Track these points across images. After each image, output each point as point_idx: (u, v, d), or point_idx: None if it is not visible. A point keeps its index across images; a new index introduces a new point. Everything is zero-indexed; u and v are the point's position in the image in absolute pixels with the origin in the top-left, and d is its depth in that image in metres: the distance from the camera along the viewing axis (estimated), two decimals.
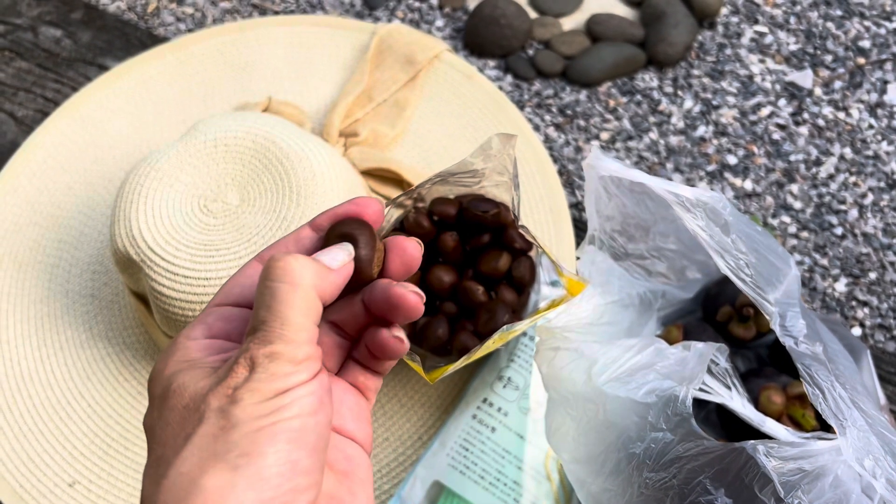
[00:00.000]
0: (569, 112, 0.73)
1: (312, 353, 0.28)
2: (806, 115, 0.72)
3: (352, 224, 0.31)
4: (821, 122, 0.72)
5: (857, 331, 0.63)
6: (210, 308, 0.31)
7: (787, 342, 0.41)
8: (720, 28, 0.77)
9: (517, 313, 0.52)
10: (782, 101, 0.73)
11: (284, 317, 0.27)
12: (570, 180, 0.70)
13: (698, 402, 0.54)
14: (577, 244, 0.63)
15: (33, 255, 0.64)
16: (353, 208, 0.31)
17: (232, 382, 0.27)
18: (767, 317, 0.41)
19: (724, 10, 0.78)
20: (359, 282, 0.31)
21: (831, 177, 0.69)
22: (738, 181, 0.69)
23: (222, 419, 0.26)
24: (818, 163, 0.70)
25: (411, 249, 0.31)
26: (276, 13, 0.80)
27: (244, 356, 0.27)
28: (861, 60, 0.75)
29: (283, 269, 0.28)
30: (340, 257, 0.30)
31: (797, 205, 0.68)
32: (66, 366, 0.60)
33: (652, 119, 0.73)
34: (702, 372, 0.40)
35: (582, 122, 0.72)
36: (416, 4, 0.80)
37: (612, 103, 0.73)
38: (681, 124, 0.72)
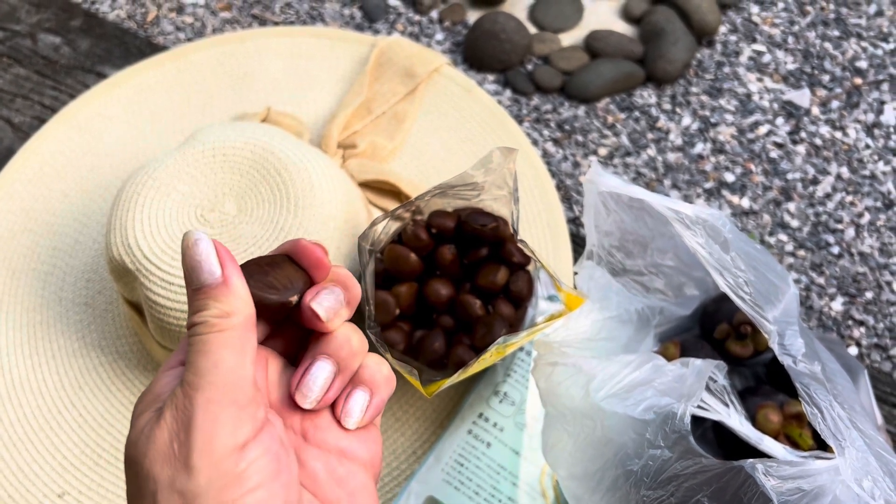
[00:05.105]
0: (567, 127, 0.73)
1: (252, 396, 0.27)
2: (803, 134, 0.73)
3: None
4: (818, 141, 0.72)
5: (853, 350, 0.63)
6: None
7: (786, 361, 0.41)
8: (719, 46, 0.78)
9: (514, 328, 0.52)
10: (780, 120, 0.73)
11: (217, 360, 0.27)
12: (568, 195, 0.70)
13: (695, 420, 0.54)
14: (574, 259, 0.63)
15: (27, 262, 0.64)
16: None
17: (173, 448, 0.26)
18: (766, 335, 0.41)
19: (723, 29, 0.79)
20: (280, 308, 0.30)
21: (828, 196, 0.69)
22: (735, 199, 0.69)
23: (179, 499, 0.25)
24: (815, 182, 0.70)
25: (313, 252, 0.30)
26: (276, 24, 0.80)
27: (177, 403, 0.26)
28: (858, 81, 0.75)
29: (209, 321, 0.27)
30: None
31: (794, 223, 0.68)
32: (58, 374, 0.59)
33: (650, 135, 0.73)
34: (700, 389, 0.40)
35: (580, 138, 0.73)
36: (417, 17, 0.80)
37: (610, 119, 0.74)
38: (679, 141, 0.72)
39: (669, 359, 0.47)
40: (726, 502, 0.37)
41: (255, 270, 0.30)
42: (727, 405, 0.42)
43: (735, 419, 0.41)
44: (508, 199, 0.51)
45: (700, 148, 0.72)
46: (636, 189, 0.42)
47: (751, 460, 0.37)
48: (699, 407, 0.40)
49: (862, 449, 0.39)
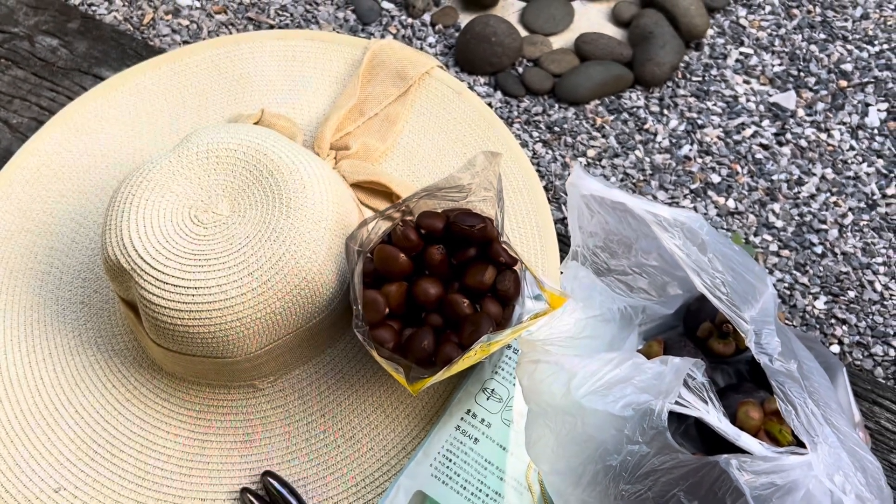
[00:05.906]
0: (556, 129, 0.74)
1: None
2: (789, 136, 0.74)
3: None
4: (803, 142, 0.73)
5: (835, 348, 0.64)
6: None
7: (762, 359, 0.42)
8: (706, 49, 0.79)
9: (502, 326, 0.53)
10: (766, 122, 0.74)
11: None
12: (557, 196, 0.71)
13: (678, 416, 0.55)
14: (562, 259, 0.64)
15: (25, 262, 0.65)
16: None
17: None
18: (743, 334, 0.43)
19: (711, 32, 0.80)
20: None
21: (812, 196, 0.71)
22: (721, 199, 0.71)
23: None
24: (800, 182, 0.71)
25: None
26: (271, 27, 0.81)
27: None
28: (843, 83, 0.76)
29: None
30: None
31: (779, 223, 0.69)
32: (54, 372, 0.61)
33: (638, 137, 0.74)
34: (678, 386, 0.41)
35: (569, 139, 0.74)
36: (409, 21, 0.81)
37: (599, 121, 0.75)
38: (666, 143, 0.73)
39: (653, 357, 0.48)
40: (702, 497, 0.39)
41: None
42: (706, 402, 0.43)
43: (713, 415, 0.43)
44: (495, 200, 0.52)
45: (687, 149, 0.73)
46: (616, 192, 0.43)
47: (725, 455, 0.38)
48: (678, 403, 0.41)
49: (835, 445, 0.40)
